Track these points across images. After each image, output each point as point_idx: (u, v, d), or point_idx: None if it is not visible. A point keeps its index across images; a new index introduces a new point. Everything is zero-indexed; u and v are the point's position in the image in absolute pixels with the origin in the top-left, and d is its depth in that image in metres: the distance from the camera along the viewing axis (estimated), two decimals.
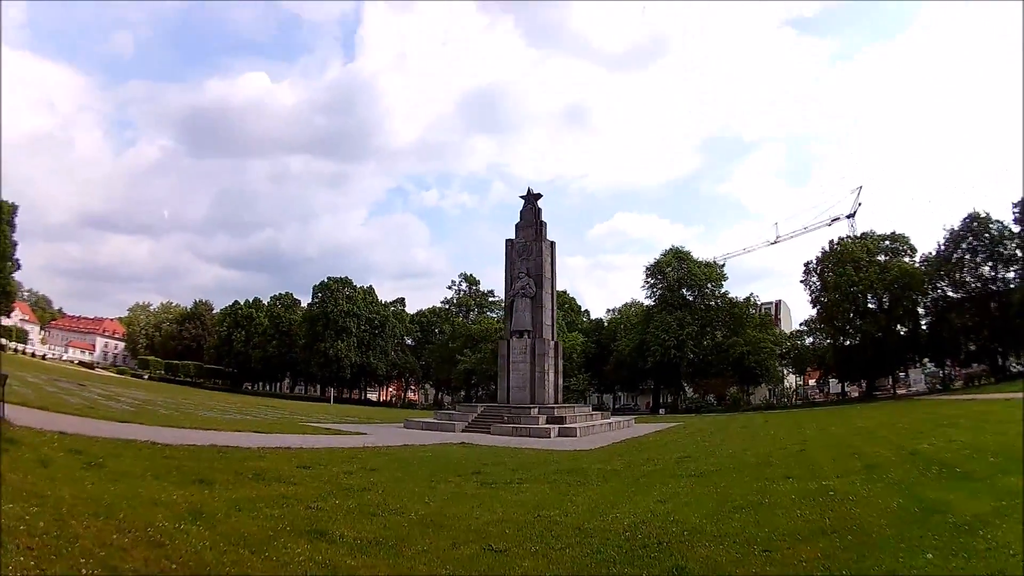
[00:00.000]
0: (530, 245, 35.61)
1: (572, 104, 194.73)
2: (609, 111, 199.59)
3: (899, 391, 61.49)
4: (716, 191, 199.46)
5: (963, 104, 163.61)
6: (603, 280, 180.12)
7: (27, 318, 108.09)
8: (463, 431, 28.50)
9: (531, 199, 37.01)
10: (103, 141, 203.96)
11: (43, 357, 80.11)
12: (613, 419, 36.58)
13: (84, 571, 4.35)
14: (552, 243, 36.50)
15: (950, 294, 56.27)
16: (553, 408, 31.52)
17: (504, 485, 11.49)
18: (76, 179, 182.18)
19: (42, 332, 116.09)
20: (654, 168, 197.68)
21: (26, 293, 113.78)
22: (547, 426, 27.88)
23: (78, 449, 9.50)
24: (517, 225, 36.75)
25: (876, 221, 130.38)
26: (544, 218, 36.58)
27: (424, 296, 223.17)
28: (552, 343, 34.83)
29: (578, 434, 27.48)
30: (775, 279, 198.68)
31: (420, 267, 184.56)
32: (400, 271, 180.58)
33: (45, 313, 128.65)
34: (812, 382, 79.62)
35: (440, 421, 30.93)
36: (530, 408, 30.82)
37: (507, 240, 36.52)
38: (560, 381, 35.90)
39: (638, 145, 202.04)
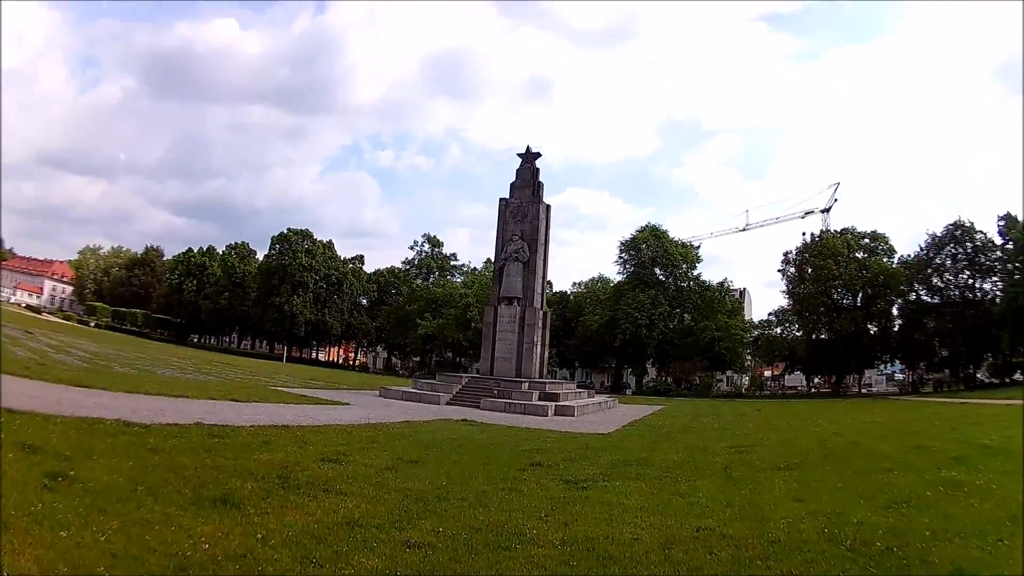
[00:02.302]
0: (525, 206, 32.86)
1: (536, 76, 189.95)
2: (572, 86, 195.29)
3: (862, 390, 62.53)
4: (670, 175, 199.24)
5: (930, 115, 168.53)
6: (553, 253, 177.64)
7: None
8: (448, 404, 26.15)
9: (529, 157, 34.18)
10: (68, 78, 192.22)
11: None
12: (599, 398, 34.72)
13: None
14: (548, 206, 33.88)
15: (924, 298, 56.31)
16: (544, 383, 29.25)
17: (592, 483, 9.14)
18: (37, 116, 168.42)
19: None
20: (610, 147, 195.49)
21: None
22: (542, 403, 25.59)
23: (34, 445, 6.34)
24: (512, 184, 33.94)
25: (844, 220, 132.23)
26: (541, 179, 33.88)
27: (372, 257, 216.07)
28: (542, 312, 32.47)
29: (575, 414, 25.31)
30: (724, 267, 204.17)
31: (369, 227, 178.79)
32: (349, 229, 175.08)
33: None
34: (768, 374, 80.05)
35: (421, 392, 28.11)
36: (520, 382, 28.40)
37: (501, 199, 33.66)
38: (546, 354, 33.74)
39: (597, 122, 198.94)
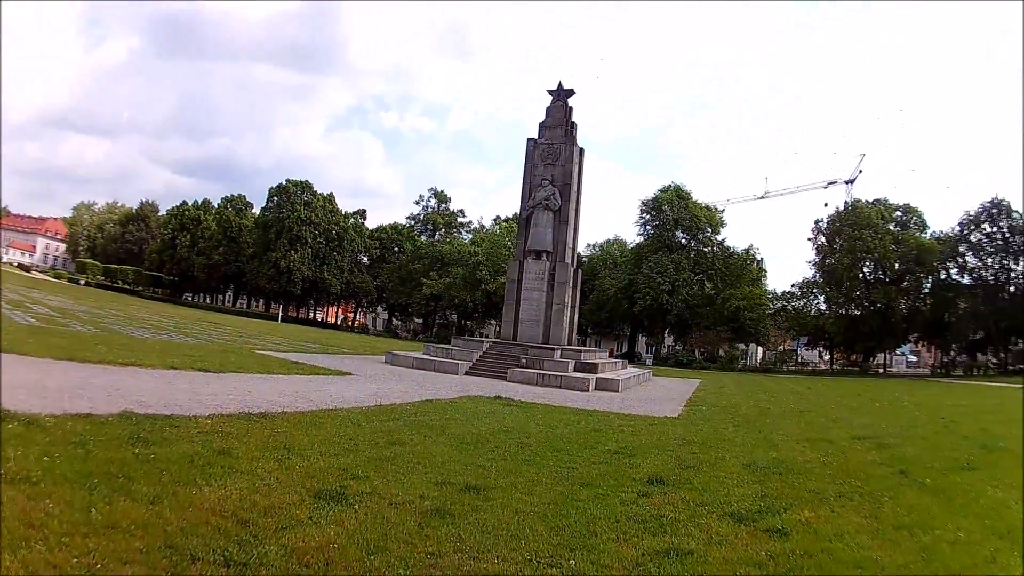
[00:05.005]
0: (557, 148, 28.56)
1: (541, 40, 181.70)
2: (576, 53, 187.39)
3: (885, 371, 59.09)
4: (673, 142, 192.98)
5: (958, 91, 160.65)
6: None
7: None
8: (468, 373, 22.34)
9: (562, 95, 29.69)
10: (74, 38, 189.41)
11: None
12: (633, 370, 31.03)
13: None
14: (582, 149, 29.57)
15: (956, 278, 53.09)
16: (579, 352, 25.45)
17: (774, 518, 5.66)
18: (43, 77, 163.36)
19: None
20: (614, 114, 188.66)
21: None
22: (580, 375, 21.76)
23: None
24: (542, 124, 29.58)
25: (869, 193, 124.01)
26: (575, 119, 29.55)
27: (374, 217, 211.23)
28: (573, 269, 28.52)
29: (619, 388, 21.56)
30: (733, 236, 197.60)
31: (371, 187, 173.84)
32: (353, 189, 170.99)
33: None
34: (781, 348, 76.34)
35: (435, 359, 24.26)
36: (552, 350, 24.57)
37: (528, 139, 29.33)
38: (576, 318, 29.82)
39: (601, 90, 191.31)
